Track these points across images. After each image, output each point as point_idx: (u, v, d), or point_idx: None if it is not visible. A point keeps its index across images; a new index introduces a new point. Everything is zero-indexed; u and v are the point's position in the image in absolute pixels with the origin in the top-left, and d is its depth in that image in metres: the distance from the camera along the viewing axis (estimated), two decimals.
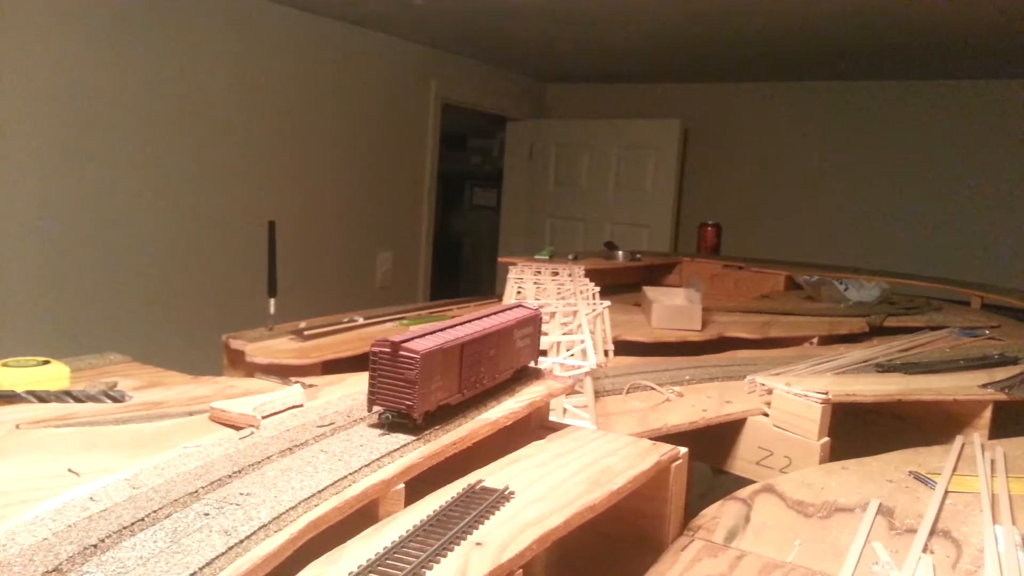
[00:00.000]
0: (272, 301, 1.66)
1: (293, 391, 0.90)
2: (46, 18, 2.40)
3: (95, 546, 0.54)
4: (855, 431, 1.36)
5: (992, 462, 1.17)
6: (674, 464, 0.91)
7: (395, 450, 0.75)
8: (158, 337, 2.74)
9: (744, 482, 1.27)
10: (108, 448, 0.79)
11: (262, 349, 1.49)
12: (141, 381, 1.14)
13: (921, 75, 3.79)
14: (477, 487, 0.76)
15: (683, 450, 0.94)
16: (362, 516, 0.68)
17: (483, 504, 0.71)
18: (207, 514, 0.60)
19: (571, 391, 1.12)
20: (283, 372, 1.40)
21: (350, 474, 0.69)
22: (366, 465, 0.71)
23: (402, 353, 0.77)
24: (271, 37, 3.09)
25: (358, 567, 0.59)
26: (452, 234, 6.04)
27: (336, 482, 0.67)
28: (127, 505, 0.61)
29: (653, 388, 1.36)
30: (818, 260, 3.14)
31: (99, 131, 2.57)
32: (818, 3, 2.62)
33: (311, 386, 1.20)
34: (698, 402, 1.32)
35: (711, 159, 4.41)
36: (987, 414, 1.34)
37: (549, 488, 0.78)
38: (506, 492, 0.75)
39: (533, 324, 1.01)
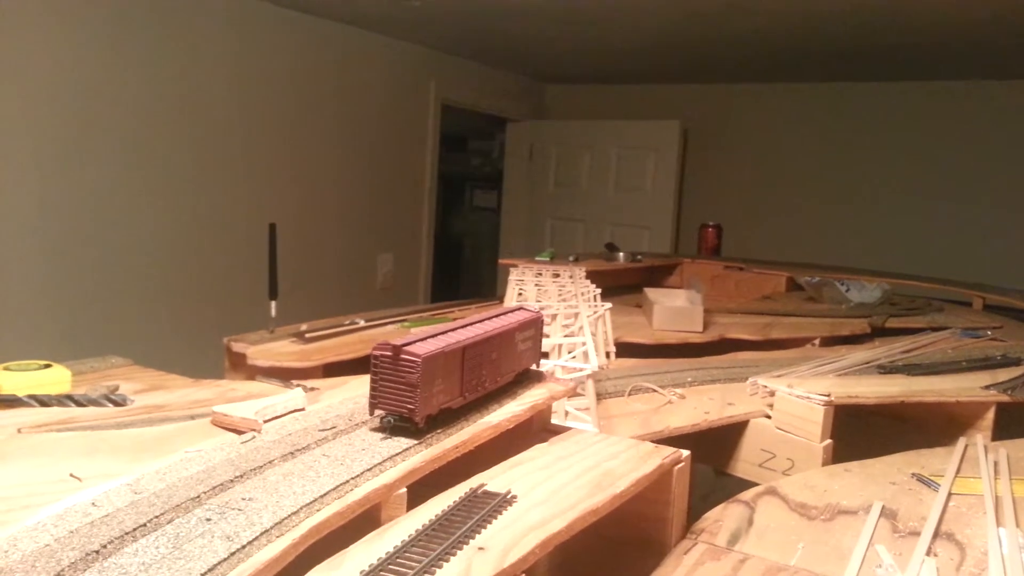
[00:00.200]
0: (273, 304, 1.66)
1: (295, 395, 0.90)
2: (45, 21, 2.40)
3: (97, 552, 0.54)
4: (857, 433, 1.35)
5: (995, 464, 1.16)
6: (676, 467, 0.91)
7: (397, 454, 0.75)
8: (159, 339, 2.74)
9: (747, 484, 1.27)
10: (110, 452, 0.79)
11: (263, 352, 1.49)
12: (142, 384, 1.14)
13: (921, 76, 3.79)
14: (479, 491, 0.76)
15: (685, 453, 0.93)
16: (364, 520, 0.68)
17: (485, 508, 0.71)
18: (209, 519, 0.59)
19: (573, 394, 1.12)
20: (284, 375, 1.40)
21: (352, 478, 0.69)
22: (368, 469, 0.71)
23: (404, 357, 0.77)
24: (271, 39, 3.09)
25: (360, 572, 0.59)
26: (452, 235, 6.04)
27: (338, 487, 0.67)
28: (129, 510, 0.61)
29: (655, 390, 1.36)
30: (819, 261, 3.13)
31: (99, 133, 2.57)
32: (817, 4, 2.62)
33: (312, 389, 1.20)
34: (700, 404, 1.32)
35: (711, 160, 4.41)
36: (990, 415, 1.34)
37: (551, 492, 0.77)
38: (508, 496, 0.74)
39: (535, 327, 1.01)
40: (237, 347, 1.52)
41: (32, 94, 2.40)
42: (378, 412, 0.80)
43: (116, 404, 0.95)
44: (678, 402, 1.33)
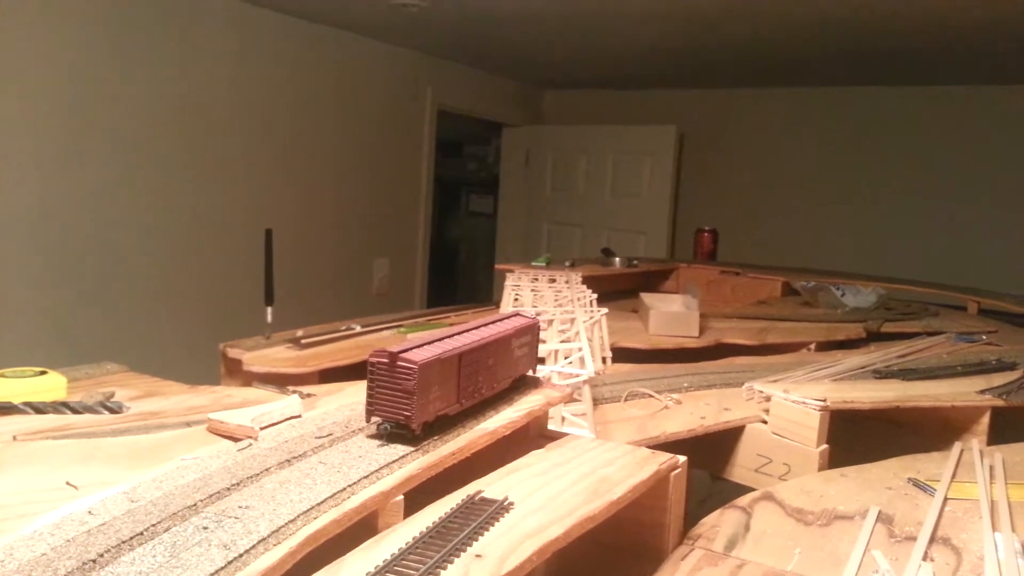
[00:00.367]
0: (269, 309, 1.66)
1: (291, 401, 0.90)
2: (44, 26, 2.40)
3: (94, 561, 0.54)
4: (853, 437, 1.36)
5: (991, 468, 1.17)
6: (673, 473, 0.91)
7: (394, 461, 0.75)
8: (155, 344, 2.73)
9: (743, 489, 1.27)
10: (106, 460, 0.79)
11: (259, 358, 1.49)
12: (138, 391, 1.14)
13: (917, 80, 3.81)
14: (476, 498, 0.76)
15: (682, 459, 0.93)
16: (361, 528, 0.68)
17: (482, 515, 0.71)
18: (206, 528, 0.59)
19: (569, 399, 1.12)
20: (280, 381, 1.40)
21: (349, 486, 0.69)
22: (365, 477, 0.71)
23: (400, 363, 0.77)
24: (269, 44, 3.10)
25: None
26: (449, 240, 6.04)
27: (335, 494, 0.67)
28: (126, 519, 0.61)
29: (651, 395, 1.36)
30: (815, 265, 3.14)
31: (97, 138, 2.57)
32: (815, 9, 2.63)
33: (309, 395, 1.20)
34: (696, 409, 1.32)
35: (707, 165, 4.42)
36: (985, 420, 1.34)
37: (548, 498, 0.77)
38: (505, 503, 0.74)
39: (531, 333, 1.01)
40: (233, 353, 1.52)
41: (31, 98, 2.39)
42: (375, 419, 0.80)
43: (112, 411, 0.95)
44: (674, 407, 1.33)
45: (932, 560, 0.90)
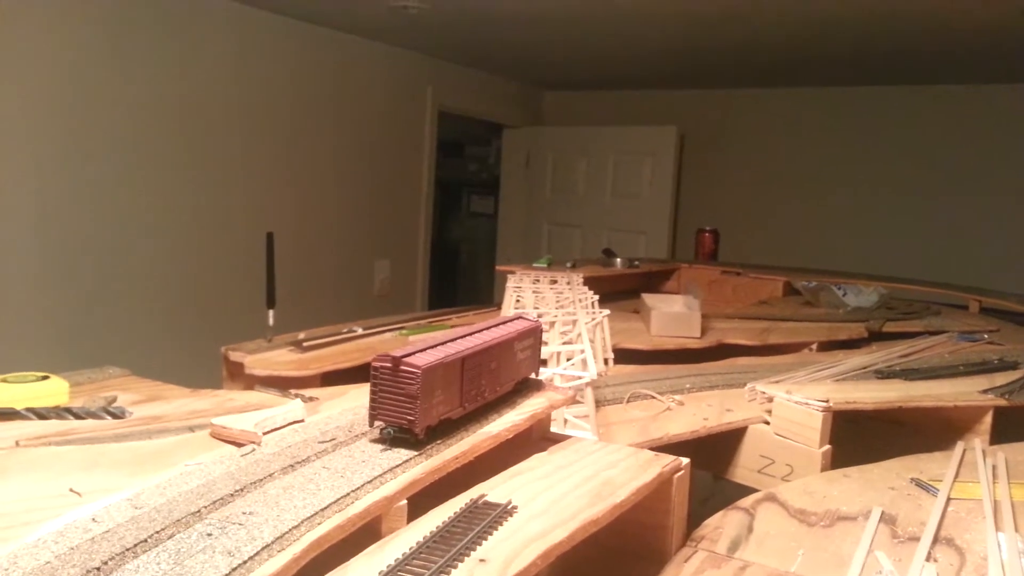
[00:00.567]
0: (271, 312, 1.66)
1: (294, 406, 0.90)
2: (45, 28, 2.40)
3: (98, 569, 0.54)
4: (856, 438, 1.36)
5: (994, 468, 1.17)
6: (676, 475, 0.91)
7: (397, 466, 0.75)
8: (157, 348, 2.73)
9: (745, 488, 1.27)
10: (109, 466, 0.79)
11: (261, 361, 1.49)
12: (140, 395, 1.14)
13: (917, 80, 3.80)
14: (480, 502, 0.76)
15: (685, 461, 0.93)
16: (365, 533, 0.68)
17: (486, 519, 0.71)
18: (210, 534, 0.59)
19: (572, 402, 1.12)
20: (282, 384, 1.40)
21: (352, 491, 0.69)
22: (368, 482, 0.71)
23: (403, 368, 0.77)
24: (268, 46, 3.10)
25: None
26: (450, 241, 6.04)
27: (339, 499, 0.67)
28: (130, 526, 0.61)
29: (654, 397, 1.36)
30: (816, 265, 3.14)
31: (97, 140, 2.57)
32: (815, 10, 2.63)
33: (311, 399, 1.20)
34: (699, 411, 1.32)
35: (708, 165, 4.42)
36: (988, 420, 1.34)
37: (551, 502, 0.77)
38: (509, 507, 0.74)
39: (534, 336, 1.01)
40: (235, 356, 1.52)
41: (31, 101, 2.40)
42: (378, 423, 0.80)
43: (114, 417, 0.95)
44: (677, 409, 1.33)
45: (936, 561, 0.90)
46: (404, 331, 1.82)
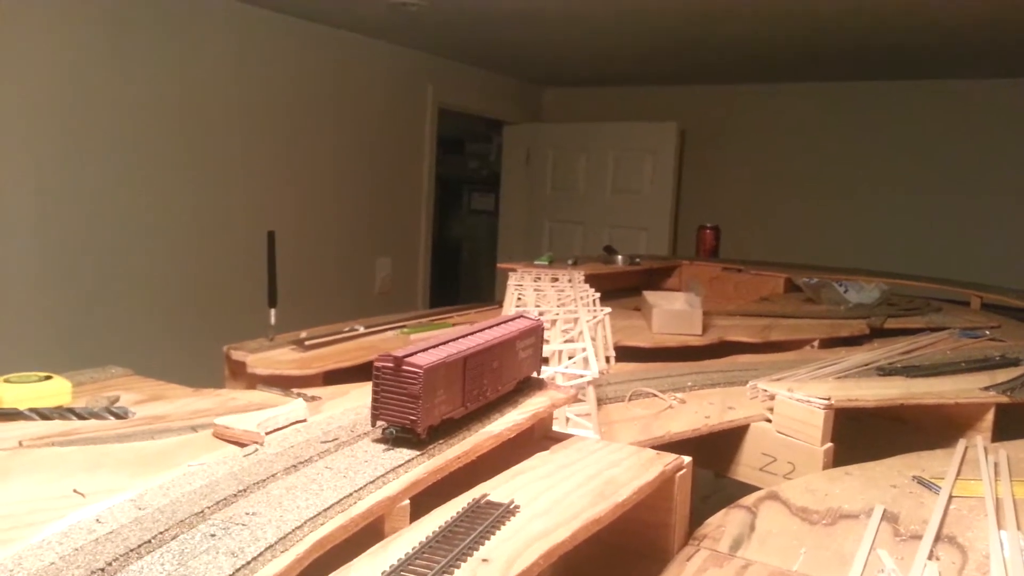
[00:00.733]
0: (272, 311, 1.66)
1: (296, 405, 0.90)
2: (44, 27, 2.40)
3: (102, 570, 0.54)
4: (857, 435, 1.36)
5: (995, 465, 1.17)
6: (678, 474, 0.91)
7: (399, 466, 0.75)
8: (159, 347, 2.74)
9: (747, 485, 1.27)
10: (113, 467, 0.79)
11: (263, 360, 1.49)
12: (143, 394, 1.14)
13: (919, 75, 3.80)
14: (482, 501, 0.76)
15: (687, 459, 0.94)
16: (368, 533, 0.68)
17: (488, 519, 0.71)
18: (213, 535, 0.60)
19: (574, 400, 1.12)
20: (284, 383, 1.40)
21: (355, 491, 0.69)
22: (371, 482, 0.71)
23: (405, 368, 0.77)
24: (269, 44, 3.10)
25: None
26: (451, 239, 6.04)
27: (341, 500, 0.67)
28: (133, 527, 0.61)
29: (655, 395, 1.36)
30: (817, 262, 3.14)
31: (97, 141, 2.58)
32: (815, 5, 2.62)
33: (314, 398, 1.20)
34: (700, 408, 1.32)
35: (709, 161, 4.41)
36: (989, 417, 1.34)
37: (554, 501, 0.78)
38: (511, 506, 0.75)
39: (535, 335, 1.01)
40: (237, 355, 1.52)
41: (31, 100, 2.40)
42: (380, 423, 0.80)
43: (117, 417, 0.95)
44: (678, 407, 1.33)
45: (938, 559, 0.90)
46: (406, 329, 1.82)
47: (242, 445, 0.82)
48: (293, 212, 3.28)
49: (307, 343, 1.61)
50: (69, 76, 2.48)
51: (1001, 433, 1.34)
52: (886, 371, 1.49)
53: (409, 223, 3.96)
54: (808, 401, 1.24)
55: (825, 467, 1.21)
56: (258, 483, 0.70)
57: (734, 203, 4.30)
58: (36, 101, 2.41)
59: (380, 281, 3.80)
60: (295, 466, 0.74)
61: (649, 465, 0.90)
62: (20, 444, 0.88)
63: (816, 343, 1.86)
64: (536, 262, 2.43)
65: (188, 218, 2.88)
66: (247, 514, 0.63)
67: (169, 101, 2.76)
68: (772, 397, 1.30)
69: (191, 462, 0.75)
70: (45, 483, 0.76)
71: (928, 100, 3.89)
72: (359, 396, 1.00)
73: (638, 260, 2.71)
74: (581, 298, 1.75)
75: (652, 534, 0.91)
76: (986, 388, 1.40)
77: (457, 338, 0.88)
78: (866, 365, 1.54)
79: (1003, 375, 1.49)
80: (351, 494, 0.68)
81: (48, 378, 1.07)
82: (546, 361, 1.29)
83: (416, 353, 0.80)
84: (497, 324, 0.97)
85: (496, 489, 0.80)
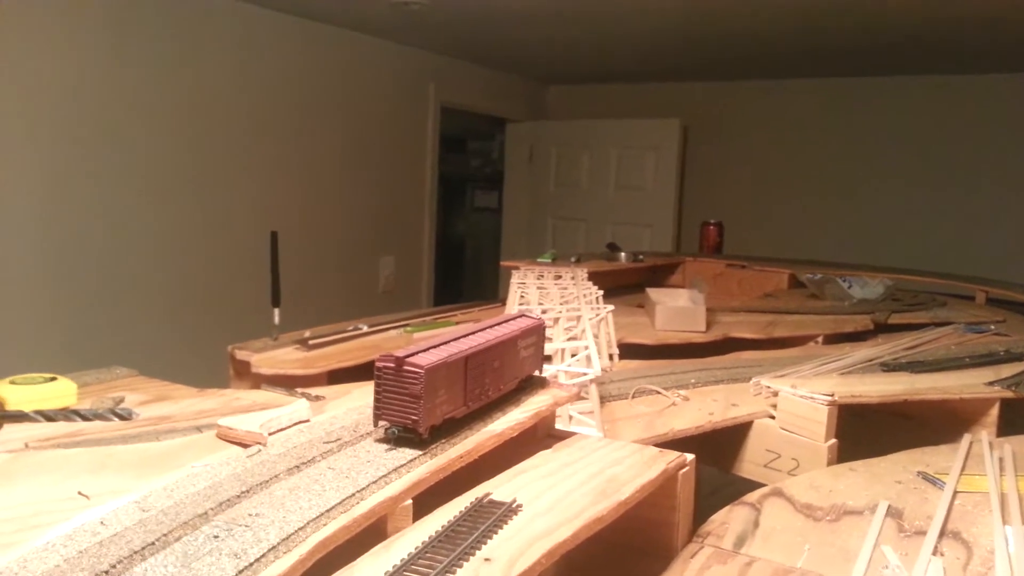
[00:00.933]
0: (276, 311, 1.66)
1: (299, 406, 0.90)
2: (48, 30, 2.41)
3: (107, 572, 0.54)
4: (862, 431, 1.36)
5: (1000, 460, 1.16)
6: (681, 472, 0.91)
7: (402, 465, 0.75)
8: (164, 348, 2.75)
9: (752, 481, 1.27)
10: (117, 469, 0.80)
11: (267, 360, 1.49)
12: (147, 395, 1.14)
13: (922, 70, 3.79)
14: (485, 500, 0.76)
15: (690, 457, 0.94)
16: (371, 533, 0.68)
17: (491, 518, 0.71)
18: (217, 536, 0.60)
19: (577, 398, 1.12)
20: (289, 383, 1.40)
21: (358, 491, 0.69)
22: (373, 482, 0.71)
23: (406, 368, 0.77)
24: (271, 44, 3.10)
25: None
26: (454, 236, 6.04)
27: (344, 500, 0.67)
28: (137, 529, 0.61)
29: (659, 392, 1.36)
30: (822, 257, 3.13)
31: (102, 141, 2.58)
32: (817, 1, 2.61)
33: (318, 398, 1.20)
34: (704, 405, 1.32)
35: (712, 157, 4.41)
36: (994, 412, 1.34)
37: (556, 500, 0.78)
38: (514, 505, 0.75)
39: (537, 333, 1.01)
40: (241, 355, 1.52)
41: (35, 102, 2.40)
42: (382, 423, 0.81)
43: (121, 418, 0.96)
44: (682, 404, 1.33)
45: (942, 555, 0.90)
46: (409, 328, 1.82)
47: (245, 446, 0.82)
48: (297, 211, 3.29)
49: (311, 342, 1.62)
50: (73, 78, 2.48)
51: (1006, 428, 1.34)
52: (890, 367, 1.49)
53: (412, 222, 3.96)
54: (812, 397, 1.24)
55: (829, 463, 1.21)
56: (261, 484, 0.70)
57: (738, 199, 4.29)
58: (40, 103, 2.42)
59: (384, 280, 3.80)
60: (298, 467, 0.74)
61: (652, 463, 0.90)
62: (26, 446, 0.88)
63: (820, 339, 1.86)
64: (539, 260, 2.43)
65: (192, 218, 2.88)
66: (250, 515, 0.63)
67: (173, 102, 2.77)
68: (776, 393, 1.30)
69: (195, 463, 0.75)
70: (50, 485, 0.76)
71: (931, 95, 3.88)
72: (362, 396, 1.00)
73: (641, 257, 2.71)
74: (584, 296, 1.74)
75: (656, 532, 0.91)
76: (991, 383, 1.39)
77: (458, 337, 0.88)
78: (870, 361, 1.53)
79: (1008, 370, 1.49)
80: (354, 494, 0.68)
81: (53, 379, 1.07)
82: (549, 359, 1.29)
83: (417, 353, 0.80)
84: (499, 323, 0.97)
85: (499, 488, 0.80)
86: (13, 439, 0.90)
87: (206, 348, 2.56)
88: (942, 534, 0.94)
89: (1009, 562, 0.87)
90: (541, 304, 1.65)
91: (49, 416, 0.95)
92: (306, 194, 3.34)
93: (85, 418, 0.95)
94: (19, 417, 0.95)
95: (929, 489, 1.07)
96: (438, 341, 0.86)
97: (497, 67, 4.33)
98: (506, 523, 0.71)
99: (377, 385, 0.79)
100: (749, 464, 1.30)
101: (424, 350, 0.82)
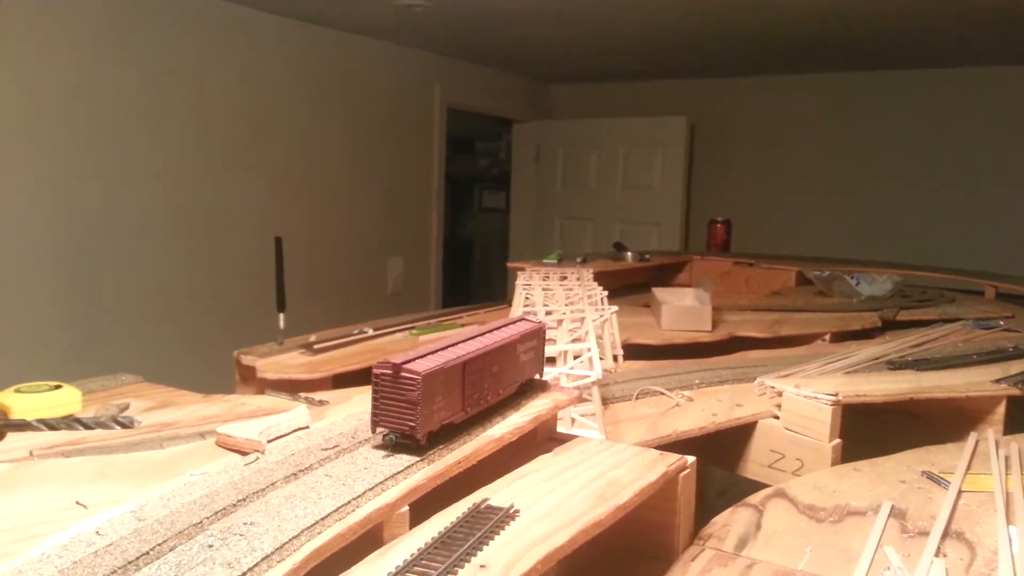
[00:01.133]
0: (281, 316, 1.67)
1: (299, 412, 0.90)
2: (51, 33, 2.42)
3: None
4: (868, 430, 1.35)
5: (1007, 459, 1.15)
6: (682, 474, 0.91)
7: (399, 472, 0.75)
8: (171, 353, 2.76)
9: (761, 482, 1.27)
10: (116, 477, 0.80)
11: (272, 364, 1.50)
12: (153, 401, 1.15)
13: (931, 64, 3.76)
14: (482, 506, 0.76)
15: (691, 459, 0.93)
16: (367, 540, 0.68)
17: (488, 524, 0.71)
18: (211, 546, 0.60)
19: (579, 401, 1.12)
20: (293, 387, 1.41)
21: (354, 499, 0.69)
22: (370, 489, 0.71)
23: (403, 375, 0.77)
24: (276, 49, 3.11)
25: None
26: (463, 237, 6.05)
27: (339, 508, 0.67)
28: (132, 539, 0.62)
29: (663, 393, 1.36)
30: (830, 254, 3.12)
31: (107, 145, 2.60)
32: None
33: (322, 402, 1.21)
34: (708, 406, 1.32)
35: (719, 155, 4.39)
36: (1001, 409, 1.33)
37: (554, 504, 0.78)
38: (511, 511, 0.75)
39: (537, 337, 1.01)
40: (247, 360, 1.53)
41: (38, 107, 2.42)
42: (380, 429, 0.81)
43: (123, 427, 0.96)
44: (686, 405, 1.33)
45: (945, 556, 0.89)
46: (414, 331, 1.82)
47: (244, 454, 0.82)
48: (304, 215, 3.30)
49: (316, 347, 1.62)
50: (77, 86, 2.50)
51: (1014, 426, 1.33)
52: (896, 365, 1.48)
53: (420, 223, 3.97)
54: (815, 397, 1.24)
55: (833, 463, 1.20)
56: (257, 492, 0.70)
57: (745, 197, 4.27)
58: (46, 109, 2.44)
59: (392, 281, 3.81)
60: (295, 474, 0.75)
61: (652, 466, 0.89)
62: (31, 454, 0.89)
63: (827, 337, 1.85)
64: (545, 260, 2.43)
65: (198, 222, 2.89)
66: (245, 524, 0.64)
67: (178, 107, 2.78)
68: (780, 394, 1.29)
69: (193, 471, 0.76)
70: (51, 494, 0.77)
71: (942, 89, 3.85)
72: (362, 401, 1.01)
73: (647, 256, 2.70)
74: (589, 297, 1.74)
75: (656, 534, 0.91)
76: (998, 380, 1.38)
77: (457, 343, 0.88)
78: (876, 359, 1.53)
79: (1016, 367, 1.48)
80: (349, 502, 0.68)
81: (58, 387, 1.08)
82: (553, 361, 1.29)
83: (415, 359, 0.80)
84: (498, 327, 0.97)
85: (498, 493, 0.80)
86: (18, 447, 0.91)
87: (213, 353, 2.57)
88: (945, 534, 0.93)
89: (1012, 562, 0.86)
90: (546, 306, 1.65)
91: (51, 425, 0.95)
92: (314, 197, 3.35)
93: (87, 427, 0.96)
94: (22, 426, 0.96)
95: (934, 489, 1.07)
96: (436, 347, 0.86)
97: (501, 67, 4.33)
98: (503, 529, 0.71)
99: (375, 391, 0.79)
100: (753, 465, 1.30)
101: (422, 356, 0.82)
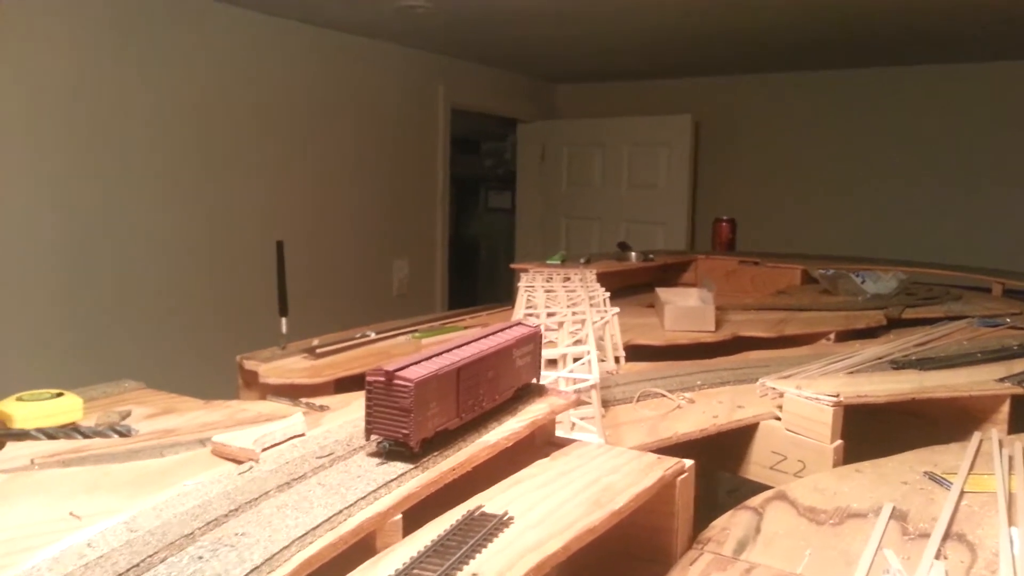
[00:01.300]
0: (284, 320, 1.67)
1: (294, 420, 0.90)
2: (51, 33, 2.43)
3: None
4: (871, 430, 1.34)
5: (1010, 459, 1.14)
6: (680, 478, 0.90)
7: (392, 480, 0.75)
8: (175, 358, 2.76)
9: (765, 483, 1.26)
10: (110, 488, 0.80)
11: (275, 369, 1.50)
12: (155, 408, 1.16)
13: (935, 59, 3.73)
14: (477, 513, 0.76)
15: (688, 463, 0.93)
16: (359, 549, 0.68)
17: (481, 531, 0.71)
18: (201, 557, 0.60)
19: (578, 404, 1.11)
20: (295, 392, 1.41)
21: (346, 508, 0.69)
22: (362, 498, 0.71)
23: (396, 382, 0.77)
24: (279, 51, 3.12)
25: None
26: (468, 238, 6.05)
27: (331, 517, 0.67)
28: (123, 550, 0.62)
29: (664, 395, 1.36)
30: (836, 252, 3.10)
31: (110, 149, 2.60)
32: None
33: (322, 408, 1.21)
34: (709, 408, 1.31)
35: (724, 153, 4.37)
36: (1005, 409, 1.32)
37: (549, 511, 0.77)
38: (505, 518, 0.74)
39: (533, 342, 1.01)
40: (249, 365, 1.53)
41: (38, 107, 2.42)
42: (374, 437, 0.81)
43: (121, 435, 0.96)
44: (687, 407, 1.32)
45: (945, 558, 0.88)
46: (417, 334, 1.82)
47: (239, 462, 0.82)
48: (309, 218, 3.30)
49: (318, 351, 1.62)
50: (78, 86, 2.50)
51: (1019, 425, 1.31)
52: (899, 364, 1.47)
53: (425, 224, 3.97)
54: (817, 398, 1.23)
55: (835, 464, 1.20)
56: (250, 502, 0.70)
57: (750, 195, 4.25)
58: (49, 111, 2.44)
59: (398, 283, 3.81)
60: (288, 483, 0.75)
61: (649, 470, 0.89)
62: (32, 462, 0.89)
63: (832, 336, 1.84)
64: (548, 261, 2.43)
65: (200, 224, 2.90)
66: (236, 535, 0.64)
67: (181, 111, 2.79)
68: (781, 395, 1.28)
69: (186, 481, 0.76)
70: (45, 505, 0.77)
71: (947, 85, 3.82)
72: (358, 408, 1.00)
73: (652, 256, 2.69)
74: (591, 298, 1.74)
75: (654, 538, 0.91)
76: (1001, 379, 1.37)
77: (451, 348, 0.88)
78: (880, 358, 1.52)
79: (1021, 365, 1.46)
80: (341, 511, 0.68)
81: (60, 395, 1.08)
82: (554, 364, 1.28)
83: (408, 367, 0.80)
84: (494, 332, 0.97)
85: (493, 499, 0.80)
86: (20, 456, 0.91)
87: (215, 355, 2.58)
88: (947, 536, 0.93)
89: (1013, 565, 0.85)
90: (548, 308, 1.65)
91: (50, 434, 0.96)
92: (318, 200, 3.35)
93: (85, 435, 0.96)
94: (21, 435, 0.96)
95: (936, 490, 1.06)
96: (431, 353, 0.86)
97: (505, 67, 4.32)
98: (496, 536, 0.71)
99: (368, 399, 0.79)
100: (755, 466, 1.29)
101: (415, 363, 0.81)
